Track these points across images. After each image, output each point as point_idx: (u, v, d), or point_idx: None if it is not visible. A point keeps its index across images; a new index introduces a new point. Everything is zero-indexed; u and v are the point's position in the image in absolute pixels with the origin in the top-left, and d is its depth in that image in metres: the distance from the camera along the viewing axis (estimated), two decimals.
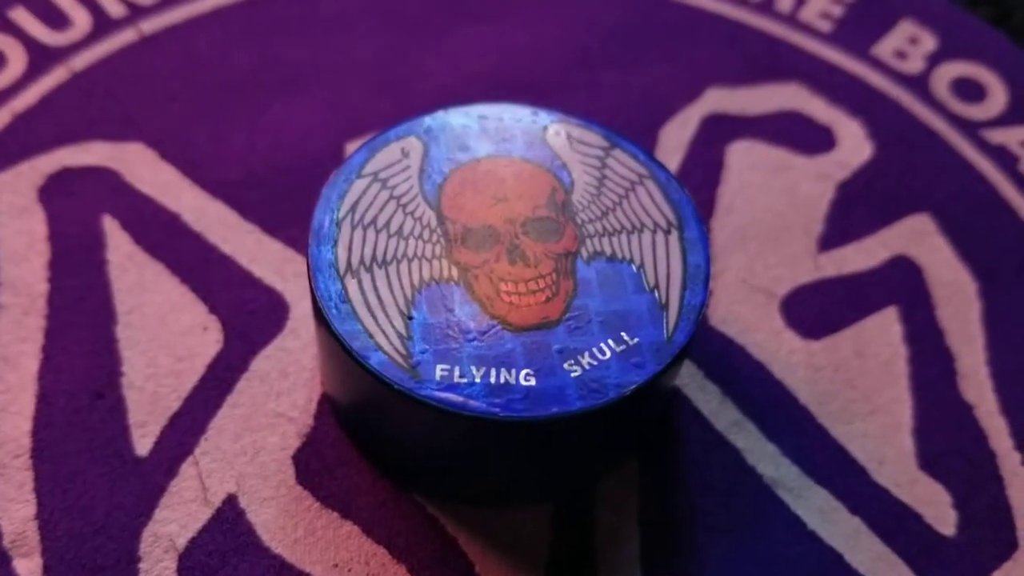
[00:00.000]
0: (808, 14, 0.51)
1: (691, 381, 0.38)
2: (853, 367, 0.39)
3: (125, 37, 0.46)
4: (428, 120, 0.36)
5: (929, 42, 0.50)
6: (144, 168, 0.42)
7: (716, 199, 0.43)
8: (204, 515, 0.34)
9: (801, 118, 0.46)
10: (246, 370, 0.37)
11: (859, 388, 0.38)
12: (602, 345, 0.31)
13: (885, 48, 0.49)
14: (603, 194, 0.35)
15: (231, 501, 0.34)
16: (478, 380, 0.30)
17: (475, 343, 0.31)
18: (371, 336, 0.31)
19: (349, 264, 0.32)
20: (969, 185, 0.45)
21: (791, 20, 0.50)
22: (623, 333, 0.32)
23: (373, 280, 0.32)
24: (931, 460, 0.37)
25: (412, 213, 0.34)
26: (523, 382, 0.30)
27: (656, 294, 0.33)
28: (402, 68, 0.46)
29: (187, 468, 0.35)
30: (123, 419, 0.35)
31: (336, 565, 0.33)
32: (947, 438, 0.37)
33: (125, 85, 0.45)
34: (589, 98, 0.46)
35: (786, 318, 0.40)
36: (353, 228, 0.33)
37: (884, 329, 0.40)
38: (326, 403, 0.36)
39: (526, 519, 0.34)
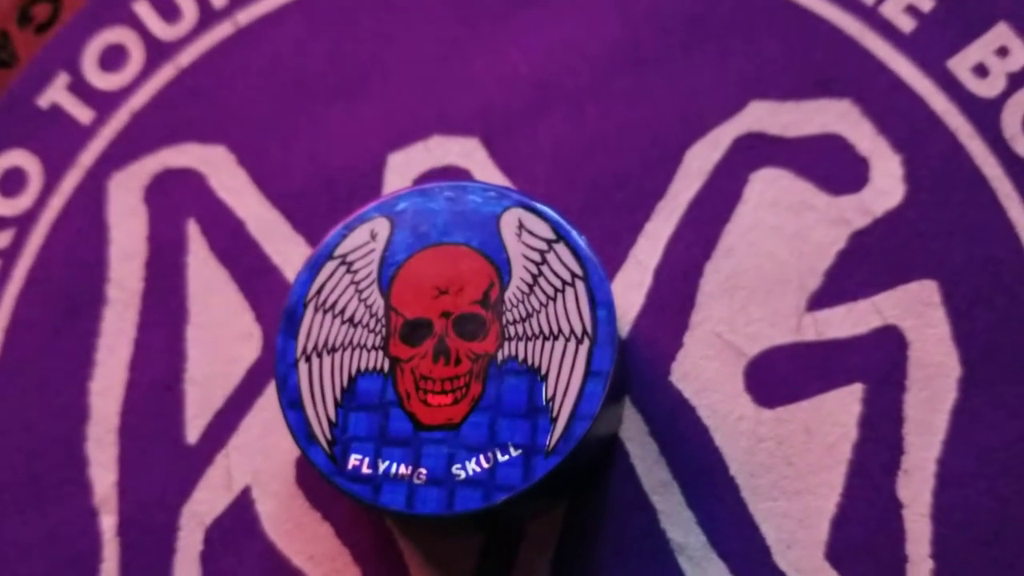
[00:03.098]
0: (892, 8, 0.46)
1: (635, 435, 0.43)
2: (796, 444, 0.41)
3: (223, 30, 0.53)
4: (400, 199, 0.41)
5: (1020, 55, 0.44)
6: (224, 172, 0.50)
7: (718, 239, 0.45)
8: (226, 500, 0.45)
9: (841, 145, 0.45)
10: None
11: (795, 466, 0.41)
12: (489, 453, 0.37)
13: (965, 60, 0.45)
14: (534, 294, 0.39)
15: (246, 491, 0.45)
16: (381, 472, 0.38)
17: (387, 437, 0.38)
18: (308, 421, 0.39)
19: (304, 349, 0.40)
20: (998, 254, 0.42)
21: (871, 14, 0.47)
22: (510, 443, 0.37)
23: (320, 366, 0.39)
24: (840, 552, 0.40)
25: (365, 300, 0.40)
26: (416, 481, 0.37)
27: (550, 406, 0.37)
28: (452, 67, 0.50)
29: (220, 459, 0.46)
30: (182, 410, 0.47)
31: (311, 557, 0.43)
32: (864, 533, 0.40)
33: (217, 83, 0.52)
34: (628, 107, 0.48)
35: (747, 381, 0.43)
36: (316, 311, 0.40)
37: (842, 407, 0.41)
38: None
39: (460, 545, 0.42)
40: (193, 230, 0.50)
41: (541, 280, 0.39)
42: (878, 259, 0.43)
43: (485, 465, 0.37)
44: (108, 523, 0.45)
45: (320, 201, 0.49)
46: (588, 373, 0.37)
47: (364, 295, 0.40)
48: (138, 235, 0.50)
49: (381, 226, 0.41)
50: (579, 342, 0.38)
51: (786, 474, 0.41)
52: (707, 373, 0.43)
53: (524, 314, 0.38)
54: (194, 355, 0.47)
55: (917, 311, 0.42)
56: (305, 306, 0.40)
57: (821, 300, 0.43)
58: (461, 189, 0.40)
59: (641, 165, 0.46)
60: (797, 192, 0.44)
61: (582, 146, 0.47)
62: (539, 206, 0.40)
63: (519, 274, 0.39)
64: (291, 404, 0.39)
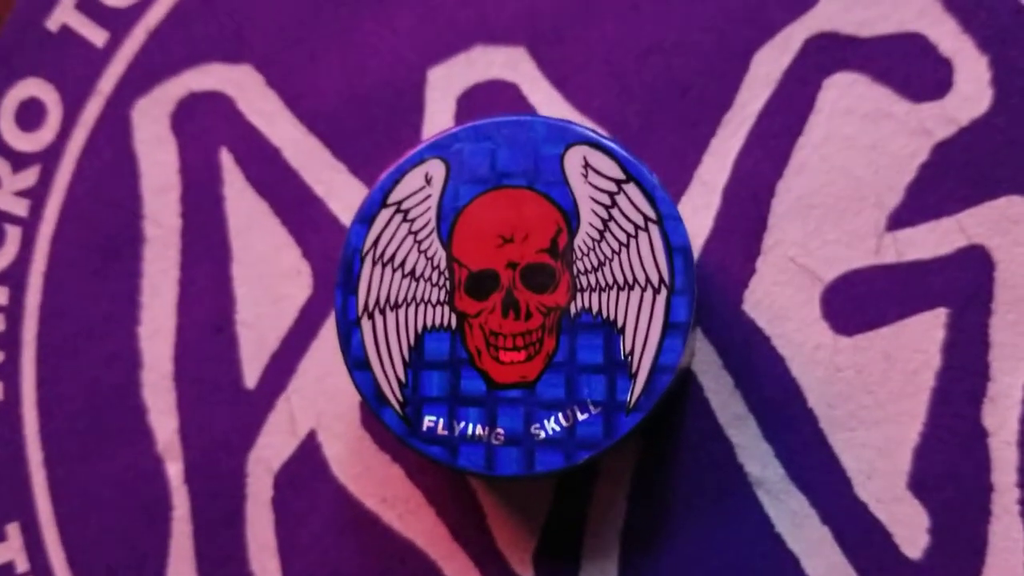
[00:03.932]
0: None
1: (709, 368, 0.42)
2: (876, 372, 0.40)
3: None
4: (453, 138, 0.38)
5: None
6: (253, 94, 0.47)
7: (790, 154, 0.42)
8: (292, 445, 0.45)
9: (922, 45, 0.42)
10: (329, 316, 0.45)
11: (875, 395, 0.40)
12: (568, 411, 0.36)
13: None
14: (605, 240, 0.37)
15: (312, 435, 0.44)
16: (457, 433, 0.37)
17: (460, 396, 0.37)
18: (376, 381, 0.38)
19: (366, 306, 0.38)
20: None
21: None
22: (589, 400, 0.36)
23: (384, 323, 0.38)
24: (922, 481, 0.39)
25: (426, 252, 0.38)
26: (494, 441, 0.37)
27: (629, 361, 0.36)
28: None
29: (281, 403, 0.45)
30: (236, 353, 0.46)
31: (384, 500, 0.43)
32: (948, 461, 0.39)
33: None
34: (688, 6, 0.44)
35: (824, 308, 0.41)
36: (374, 265, 0.38)
37: (925, 333, 0.40)
38: None
39: (536, 483, 0.42)
40: (227, 159, 0.47)
41: (612, 225, 0.37)
42: (962, 173, 0.40)
43: (564, 424, 0.36)
44: (174, 470, 0.45)
45: (359, 123, 0.46)
46: (667, 325, 0.36)
47: (424, 246, 0.38)
48: (169, 167, 0.47)
49: (436, 169, 0.38)
50: (656, 292, 0.36)
51: (866, 403, 0.40)
52: (781, 300, 0.41)
53: (596, 263, 0.36)
54: (242, 294, 0.46)
55: (1004, 229, 0.40)
56: (362, 259, 0.38)
57: (901, 218, 0.41)
58: (518, 125, 0.38)
59: (704, 72, 0.43)
60: (874, 99, 0.41)
61: (638, 52, 0.44)
62: (606, 142, 0.37)
63: (588, 219, 0.37)
64: (357, 364, 0.37)
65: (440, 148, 0.39)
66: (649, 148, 0.43)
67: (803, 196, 0.42)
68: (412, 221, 0.38)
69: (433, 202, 0.38)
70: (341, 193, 0.46)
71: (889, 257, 0.41)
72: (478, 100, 0.45)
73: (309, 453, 0.44)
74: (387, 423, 0.37)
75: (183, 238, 0.47)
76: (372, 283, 0.38)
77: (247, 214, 0.46)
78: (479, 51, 0.45)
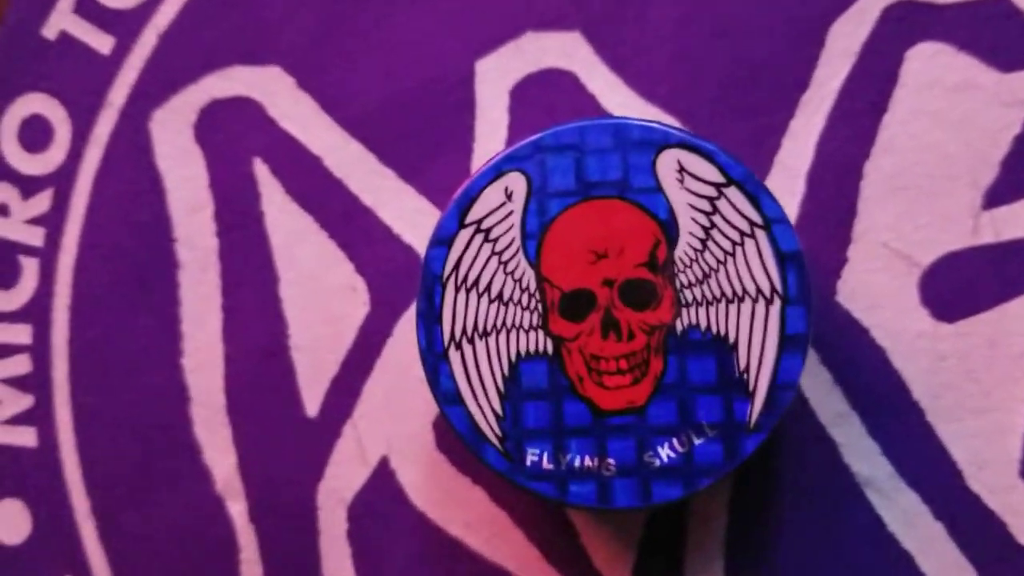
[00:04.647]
0: None
1: (806, 364, 0.40)
2: (980, 358, 0.39)
3: None
4: (530, 147, 0.35)
5: None
6: (284, 99, 0.44)
7: (876, 133, 0.40)
8: (363, 474, 0.42)
9: (1007, 9, 0.39)
10: (391, 335, 0.42)
11: (980, 382, 0.39)
12: (683, 436, 0.34)
13: None
14: (708, 250, 0.34)
15: (384, 462, 0.42)
16: (564, 466, 0.35)
17: (564, 427, 0.35)
18: (471, 416, 0.35)
19: (453, 335, 0.35)
20: None
21: None
22: (706, 423, 0.34)
23: (475, 353, 0.35)
24: None
25: (512, 273, 0.35)
26: (605, 472, 0.34)
27: (745, 379, 0.34)
28: None
29: (348, 430, 0.42)
30: (293, 380, 0.43)
31: (468, 524, 0.41)
32: None
33: None
34: None
35: (923, 294, 0.39)
36: (457, 291, 0.36)
37: None
38: None
39: None
40: (262, 171, 0.43)
41: (714, 233, 0.34)
42: None
43: (680, 450, 0.34)
44: (237, 509, 0.42)
45: (405, 125, 0.42)
46: (783, 338, 0.33)
47: (510, 267, 0.35)
48: (199, 182, 0.44)
49: (516, 182, 0.35)
50: (768, 303, 0.34)
51: (971, 392, 0.38)
52: (877, 289, 0.39)
53: (700, 275, 0.34)
54: (293, 317, 0.43)
55: None
56: (444, 285, 0.35)
57: (997, 196, 0.39)
58: (603, 129, 0.35)
59: (777, 50, 0.40)
60: (960, 70, 0.39)
61: (705, 32, 0.41)
62: (702, 144, 0.34)
63: (688, 228, 0.34)
64: (448, 399, 0.35)
65: (519, 159, 0.36)
66: (724, 135, 0.40)
67: (893, 177, 0.39)
68: (495, 241, 0.36)
69: (516, 219, 0.35)
70: (392, 202, 0.42)
71: (987, 237, 0.39)
72: (533, 92, 0.42)
73: (383, 481, 0.42)
74: (487, 460, 0.35)
75: (222, 260, 0.43)
76: (457, 311, 0.36)
77: (290, 230, 0.43)
78: (530, 38, 0.42)
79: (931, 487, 0.39)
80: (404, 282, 0.42)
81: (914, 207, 0.39)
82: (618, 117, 0.35)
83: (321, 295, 0.43)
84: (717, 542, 0.40)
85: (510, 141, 0.42)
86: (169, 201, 0.44)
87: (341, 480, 0.42)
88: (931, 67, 0.39)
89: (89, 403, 0.44)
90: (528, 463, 0.35)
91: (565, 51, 0.42)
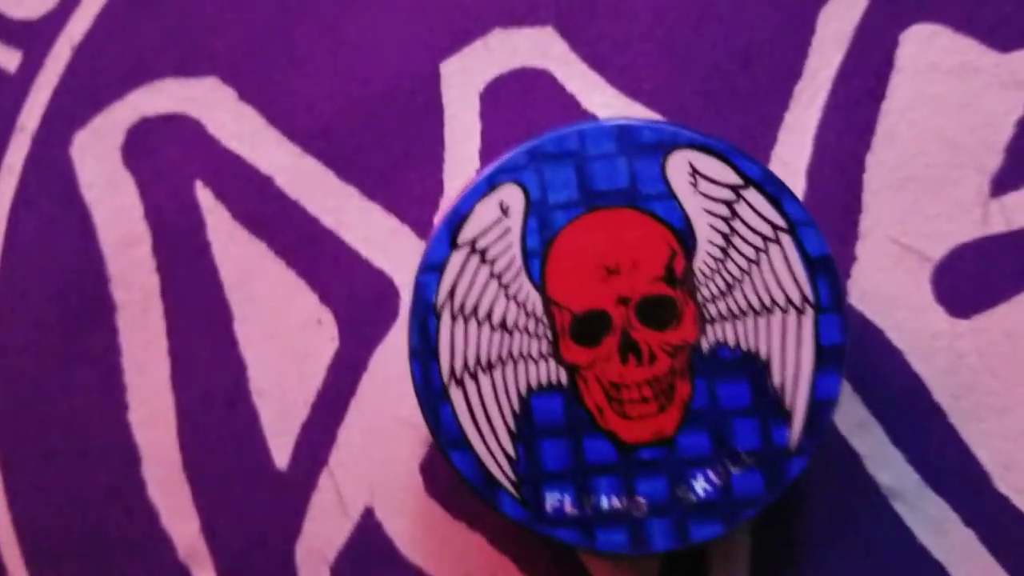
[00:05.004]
0: None
1: None
2: (999, 352, 0.37)
3: None
4: (524, 156, 0.32)
5: None
6: (224, 113, 0.39)
7: (877, 122, 0.37)
8: (346, 528, 0.38)
9: None
10: (366, 369, 0.38)
11: (1000, 378, 0.37)
12: (718, 467, 0.31)
13: None
14: (730, 259, 0.31)
15: (368, 513, 0.38)
16: (589, 510, 0.31)
17: (586, 466, 0.31)
18: (480, 460, 0.31)
19: (452, 370, 0.31)
20: None
21: None
22: (742, 450, 0.31)
23: (479, 389, 0.31)
24: None
25: (515, 297, 0.32)
26: (636, 514, 0.31)
27: (782, 397, 0.31)
28: None
29: (324, 480, 0.38)
30: (258, 429, 0.38)
31: (468, 574, 0.37)
32: None
33: None
34: None
35: (937, 290, 0.37)
36: (454, 320, 0.32)
37: None
38: None
39: None
40: (205, 196, 0.39)
41: (735, 240, 0.31)
42: None
43: (716, 482, 0.31)
44: None
45: (364, 136, 0.38)
46: (819, 350, 0.31)
47: (512, 290, 0.31)
48: (132, 213, 0.39)
49: (511, 195, 0.32)
50: (800, 312, 0.31)
51: (993, 389, 0.36)
52: (890, 288, 0.37)
53: (723, 287, 0.31)
54: (253, 358, 0.38)
55: None
56: (439, 315, 0.31)
57: (1005, 181, 0.37)
58: (602, 132, 0.31)
59: (767, 38, 0.37)
60: (958, 52, 0.37)
61: (688, 21, 0.38)
62: (713, 142, 0.31)
63: (705, 236, 0.31)
64: (452, 443, 0.31)
65: (513, 170, 0.32)
66: (715, 131, 0.37)
67: (896, 168, 0.37)
68: (493, 262, 0.32)
69: (515, 236, 0.32)
70: (356, 222, 0.38)
71: (998, 226, 0.37)
72: (505, 94, 0.38)
73: (369, 534, 0.37)
74: (502, 508, 0.31)
75: (165, 299, 0.38)
76: (456, 343, 0.32)
77: (242, 260, 0.38)
78: (498, 35, 0.38)
79: (959, 493, 0.37)
80: (376, 311, 0.38)
81: (921, 198, 0.37)
82: (621, 118, 0.32)
83: (283, 331, 0.38)
84: (742, 565, 0.37)
85: (484, 148, 0.38)
86: (99, 236, 0.39)
87: (321, 537, 0.38)
88: (927, 50, 0.37)
89: (24, 473, 0.38)
90: (549, 509, 0.31)
91: (538, 48, 0.38)
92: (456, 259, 0.32)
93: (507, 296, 0.32)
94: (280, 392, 0.38)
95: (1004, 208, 0.37)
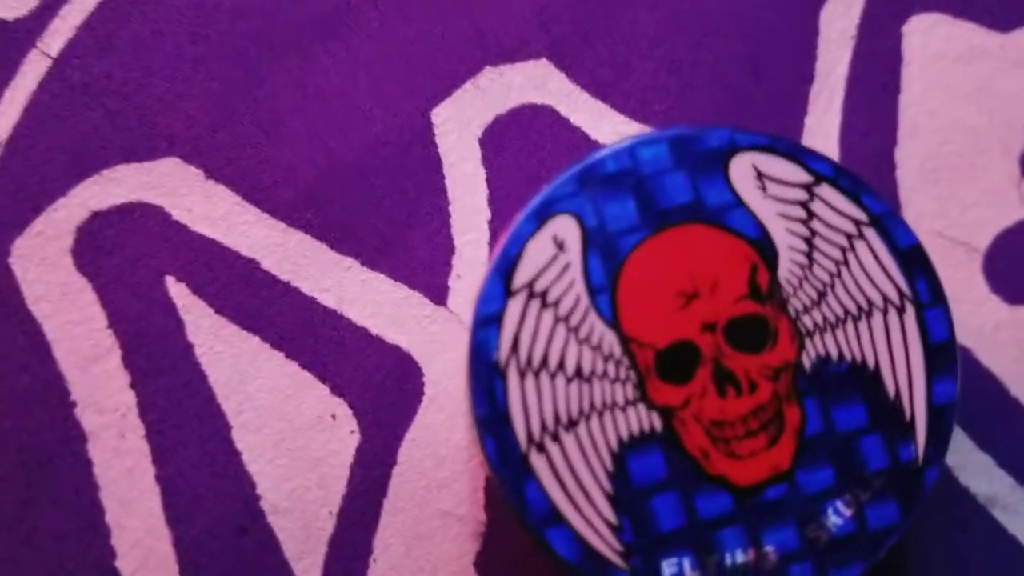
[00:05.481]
0: None
1: None
2: None
3: None
4: (572, 184, 0.28)
5: None
6: (190, 196, 0.34)
7: (898, 116, 0.35)
8: None
9: None
10: (395, 463, 0.33)
11: None
12: (847, 496, 0.27)
13: None
14: (815, 263, 0.28)
15: None
16: (713, 572, 0.26)
17: (700, 520, 0.27)
18: (578, 535, 0.26)
19: (530, 435, 0.27)
20: None
21: None
22: (868, 472, 0.27)
23: (564, 453, 0.27)
24: None
25: (588, 340, 0.27)
26: (766, 565, 0.27)
27: (900, 406, 0.27)
28: None
29: None
30: (278, 554, 0.32)
31: None
32: None
33: (122, 61, 0.35)
34: None
35: (990, 281, 0.35)
36: (522, 376, 0.27)
37: None
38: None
39: None
40: (178, 292, 0.33)
41: (817, 241, 0.28)
42: None
43: (848, 512, 0.27)
44: None
45: (355, 199, 0.34)
46: (928, 347, 0.27)
47: (582, 332, 0.27)
48: (93, 324, 0.33)
49: (565, 227, 0.28)
50: (900, 311, 0.28)
51: None
52: (944, 284, 0.34)
53: (815, 295, 0.28)
54: (260, 472, 0.32)
55: None
56: (504, 374, 0.27)
57: None
58: (654, 144, 0.28)
59: (771, 44, 0.35)
60: (962, 37, 0.36)
61: (688, 36, 0.36)
62: (775, 140, 0.28)
63: (786, 242, 0.28)
64: (544, 521, 0.26)
65: (562, 199, 0.28)
66: None
67: (925, 161, 0.35)
68: (556, 304, 0.28)
69: (576, 272, 0.28)
70: (360, 296, 0.34)
71: None
72: (506, 135, 0.35)
73: None
74: None
75: (144, 418, 0.33)
76: (529, 403, 0.27)
77: (233, 359, 0.33)
78: (489, 75, 0.35)
79: None
80: (397, 394, 0.33)
81: (956, 189, 0.35)
82: (672, 127, 0.29)
83: (292, 434, 0.33)
84: None
85: (493, 197, 0.34)
86: (56, 355, 0.33)
87: None
88: (932, 39, 0.36)
89: None
90: None
91: (534, 83, 0.35)
92: (514, 307, 0.27)
93: (578, 340, 0.27)
94: (299, 506, 0.32)
95: None
